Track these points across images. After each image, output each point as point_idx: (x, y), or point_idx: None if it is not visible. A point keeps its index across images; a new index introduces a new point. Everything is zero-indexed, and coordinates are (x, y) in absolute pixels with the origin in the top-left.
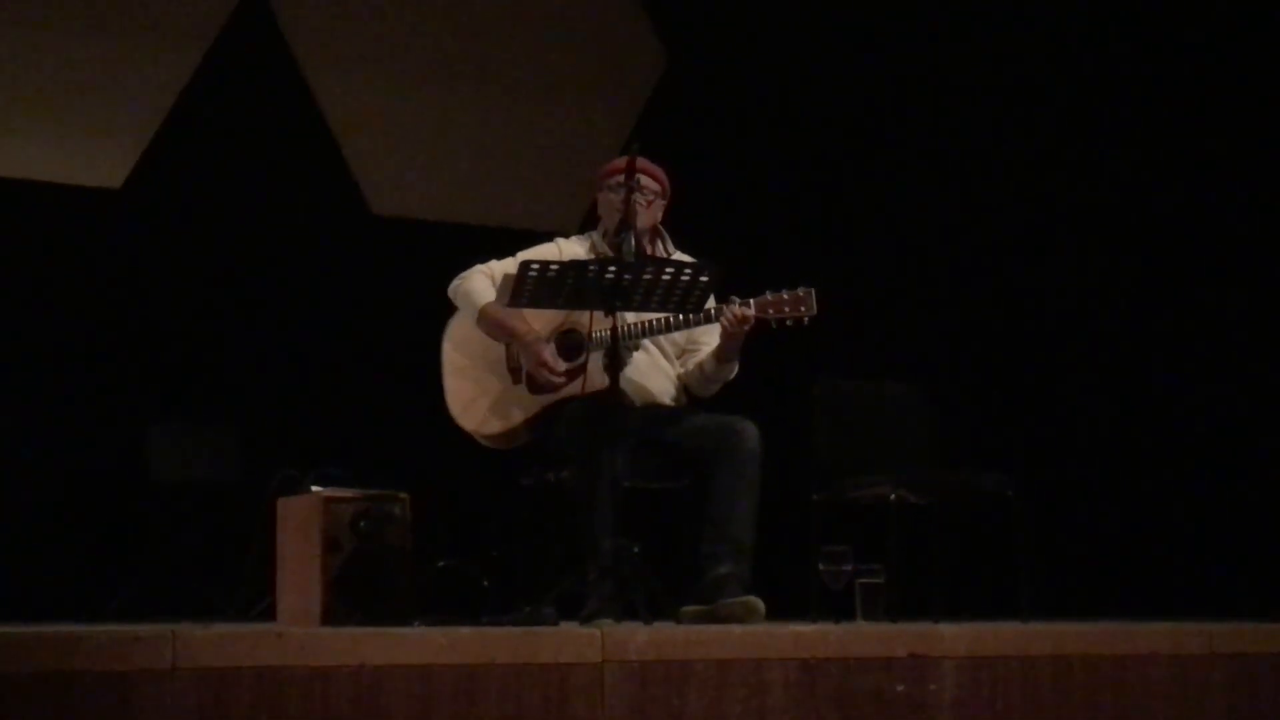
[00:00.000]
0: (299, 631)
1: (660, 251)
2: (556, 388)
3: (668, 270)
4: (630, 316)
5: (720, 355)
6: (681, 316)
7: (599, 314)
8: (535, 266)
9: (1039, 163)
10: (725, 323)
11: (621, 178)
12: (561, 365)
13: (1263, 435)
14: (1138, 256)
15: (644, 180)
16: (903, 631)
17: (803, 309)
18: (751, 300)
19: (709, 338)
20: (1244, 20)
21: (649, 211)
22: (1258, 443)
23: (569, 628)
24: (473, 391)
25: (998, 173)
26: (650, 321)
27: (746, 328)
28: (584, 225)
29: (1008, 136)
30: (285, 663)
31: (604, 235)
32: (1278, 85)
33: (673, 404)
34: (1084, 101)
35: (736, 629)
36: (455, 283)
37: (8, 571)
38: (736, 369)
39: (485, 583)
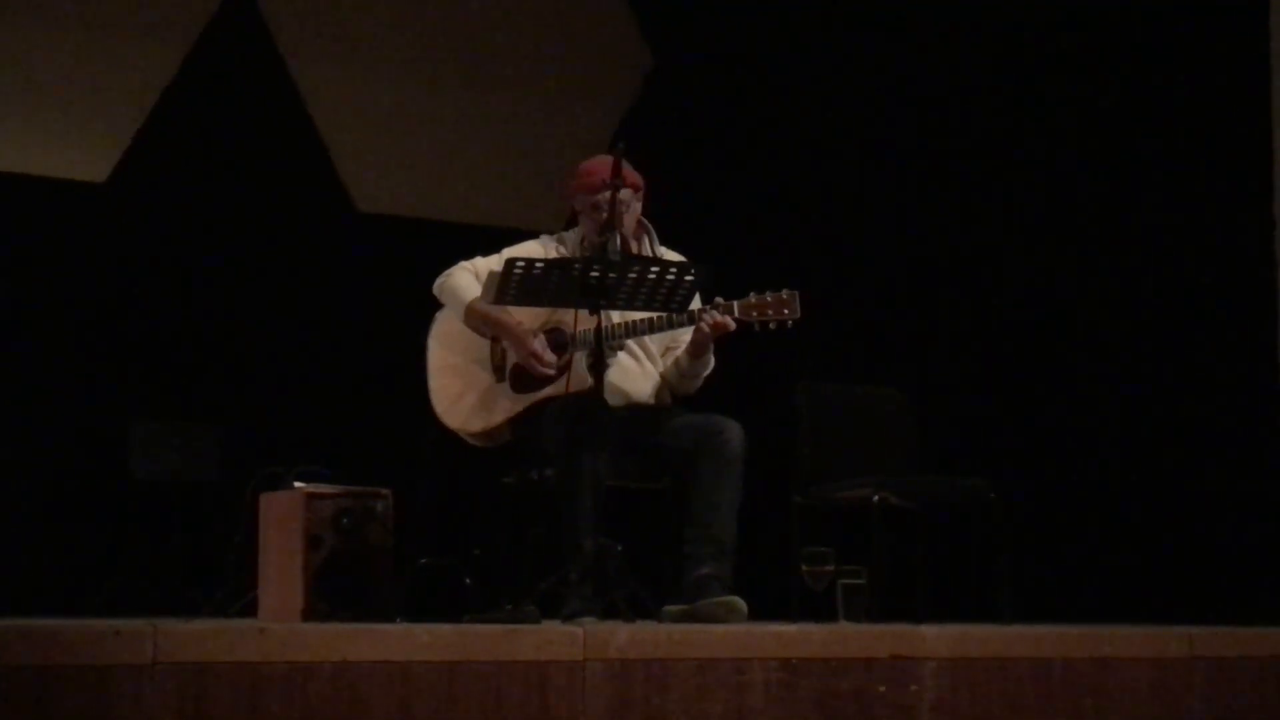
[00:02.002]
0: (280, 627)
1: (646, 248)
2: (546, 379)
3: (653, 270)
4: (615, 316)
5: (693, 352)
6: (666, 317)
7: (583, 313)
8: (521, 264)
9: (1024, 167)
10: (704, 328)
11: (598, 195)
12: (551, 356)
13: (1245, 441)
14: (1121, 262)
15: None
16: (884, 633)
17: (786, 312)
18: (735, 302)
19: (689, 334)
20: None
21: (630, 213)
22: (1240, 449)
23: (550, 626)
24: (457, 389)
25: (982, 177)
26: (634, 322)
27: (724, 332)
28: (569, 223)
29: (992, 141)
30: (266, 658)
31: (582, 241)
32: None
33: (656, 404)
34: (1069, 107)
35: (718, 628)
36: (440, 280)
37: None
38: (712, 363)
39: (467, 580)
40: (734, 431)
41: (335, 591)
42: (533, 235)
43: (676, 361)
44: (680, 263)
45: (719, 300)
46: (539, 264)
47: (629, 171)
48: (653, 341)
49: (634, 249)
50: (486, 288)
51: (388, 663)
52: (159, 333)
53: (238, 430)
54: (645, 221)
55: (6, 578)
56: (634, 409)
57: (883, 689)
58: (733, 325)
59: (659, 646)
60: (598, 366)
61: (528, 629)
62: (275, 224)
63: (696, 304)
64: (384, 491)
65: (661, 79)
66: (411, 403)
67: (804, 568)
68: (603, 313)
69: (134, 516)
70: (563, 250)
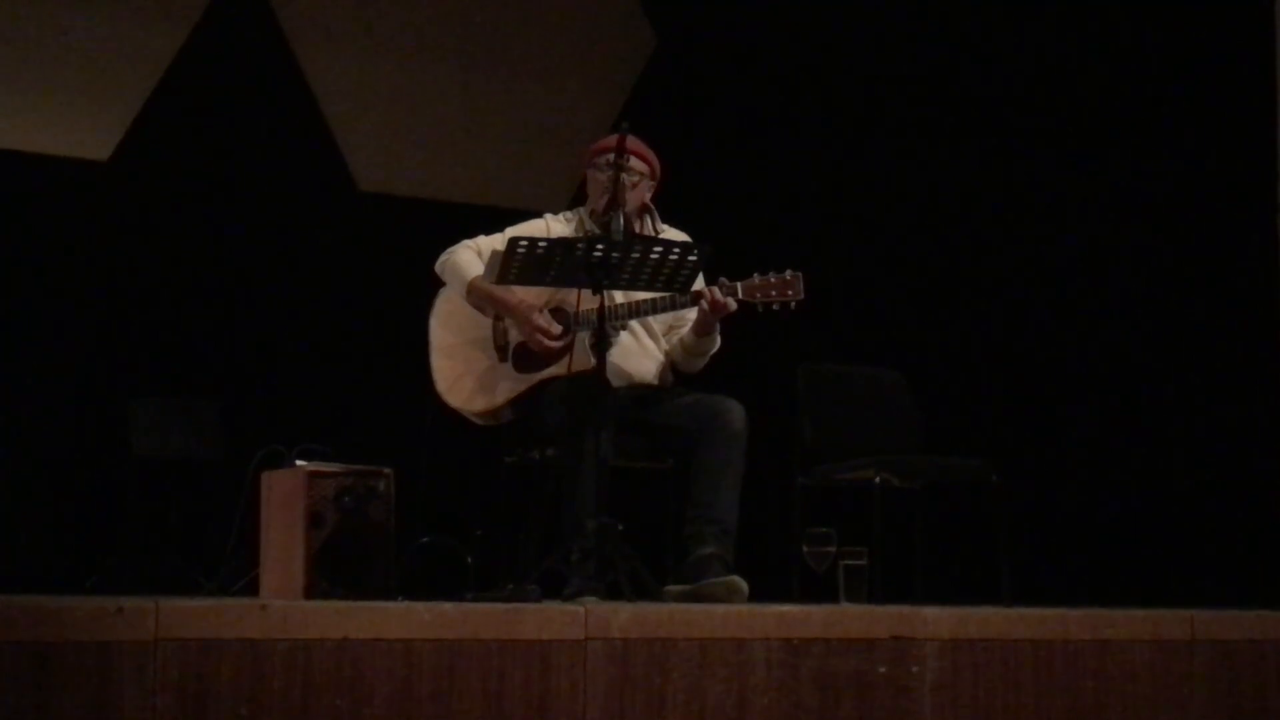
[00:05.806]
0: (282, 605)
1: (647, 229)
2: (553, 353)
3: (656, 249)
4: (618, 297)
5: (698, 330)
6: (669, 297)
7: (586, 293)
8: (524, 243)
9: (1026, 148)
10: (704, 307)
11: (610, 156)
12: (557, 328)
13: (1245, 422)
14: (1122, 242)
15: (632, 161)
16: (885, 614)
17: (790, 293)
18: (738, 284)
19: (694, 313)
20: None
21: (635, 192)
22: (1240, 430)
23: (552, 605)
24: (459, 369)
25: (986, 158)
26: (637, 302)
27: (725, 313)
28: (573, 203)
29: (996, 122)
30: (268, 636)
31: (591, 214)
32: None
33: (658, 384)
34: (1071, 92)
35: (719, 609)
36: (442, 257)
37: None
38: (719, 342)
39: (469, 560)
40: (736, 412)
41: (337, 569)
42: (536, 215)
43: (682, 340)
44: (683, 243)
45: (723, 280)
46: (542, 243)
47: (646, 153)
48: (656, 321)
49: (636, 228)
50: (489, 267)
51: (389, 641)
52: (161, 311)
53: (239, 409)
54: (648, 202)
55: (9, 555)
56: (636, 389)
57: (883, 670)
58: (734, 306)
59: (660, 626)
60: (600, 346)
61: (529, 608)
62: (278, 203)
63: (700, 283)
64: (386, 470)
65: (665, 59)
66: (413, 381)
67: (805, 548)
68: (605, 292)
69: (136, 494)
70: (566, 229)
